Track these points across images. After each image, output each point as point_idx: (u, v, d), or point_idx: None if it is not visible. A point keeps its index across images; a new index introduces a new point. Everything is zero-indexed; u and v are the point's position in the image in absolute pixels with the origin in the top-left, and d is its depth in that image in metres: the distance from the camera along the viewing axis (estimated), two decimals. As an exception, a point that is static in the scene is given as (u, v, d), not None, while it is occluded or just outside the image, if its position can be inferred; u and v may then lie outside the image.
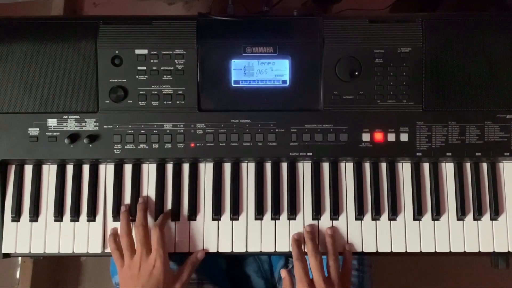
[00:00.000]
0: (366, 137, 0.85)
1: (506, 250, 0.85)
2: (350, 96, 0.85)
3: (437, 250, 0.85)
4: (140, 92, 0.85)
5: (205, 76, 0.85)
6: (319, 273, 0.79)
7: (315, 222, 0.86)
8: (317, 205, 0.85)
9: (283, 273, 0.85)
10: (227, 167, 0.87)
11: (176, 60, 0.85)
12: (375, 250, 0.85)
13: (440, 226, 0.86)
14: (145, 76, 0.85)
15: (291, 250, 0.84)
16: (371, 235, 0.85)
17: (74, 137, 0.84)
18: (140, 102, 0.85)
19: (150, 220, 0.85)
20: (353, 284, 0.95)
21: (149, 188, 0.87)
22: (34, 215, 0.85)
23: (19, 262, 1.40)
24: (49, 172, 0.87)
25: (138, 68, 0.85)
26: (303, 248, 0.84)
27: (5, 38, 0.84)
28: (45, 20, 0.86)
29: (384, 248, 0.85)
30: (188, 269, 0.83)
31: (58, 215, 0.86)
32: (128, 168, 0.87)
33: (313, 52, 0.85)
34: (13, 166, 0.87)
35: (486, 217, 0.86)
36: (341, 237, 0.85)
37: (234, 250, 0.85)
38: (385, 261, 1.38)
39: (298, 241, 0.84)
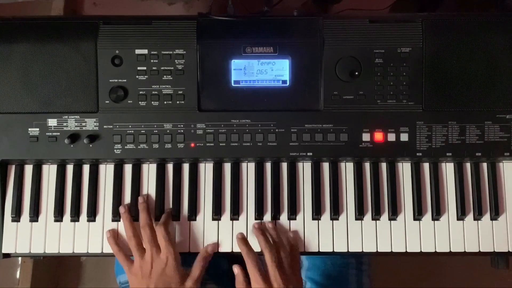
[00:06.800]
0: (366, 137, 0.85)
1: (506, 250, 0.85)
2: (350, 96, 0.85)
3: (437, 250, 0.85)
4: (140, 92, 0.85)
5: (205, 76, 0.85)
6: (275, 267, 0.78)
7: (315, 222, 0.86)
8: (317, 205, 0.85)
9: (236, 269, 0.81)
10: (227, 167, 0.87)
11: (176, 60, 0.85)
12: (375, 250, 0.85)
13: (440, 226, 0.86)
14: (145, 76, 0.85)
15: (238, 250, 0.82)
16: (371, 235, 0.85)
17: (74, 137, 0.84)
18: (140, 102, 0.85)
19: (150, 220, 0.85)
20: (351, 283, 0.95)
21: (149, 188, 0.87)
22: (34, 215, 0.85)
23: (19, 262, 1.40)
24: (49, 172, 0.87)
25: (138, 68, 0.85)
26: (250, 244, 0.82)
27: (5, 38, 0.84)
28: (45, 20, 0.86)
29: (384, 248, 0.85)
30: (199, 265, 0.82)
31: (58, 215, 0.86)
32: (128, 168, 0.87)
33: (313, 52, 0.85)
34: (13, 166, 0.87)
35: (486, 217, 0.86)
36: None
37: (234, 250, 0.85)
38: (385, 261, 1.38)
39: (243, 239, 0.83)
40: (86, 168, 0.87)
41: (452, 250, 0.85)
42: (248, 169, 0.87)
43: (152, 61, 0.85)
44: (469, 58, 0.84)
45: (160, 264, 0.79)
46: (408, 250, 0.85)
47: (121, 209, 0.85)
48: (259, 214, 0.85)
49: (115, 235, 0.84)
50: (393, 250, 0.85)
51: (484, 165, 0.88)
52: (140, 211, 0.84)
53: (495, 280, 1.36)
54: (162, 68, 0.85)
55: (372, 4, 1.01)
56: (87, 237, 0.85)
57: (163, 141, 0.85)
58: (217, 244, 0.85)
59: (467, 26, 0.84)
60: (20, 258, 1.38)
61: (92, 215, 0.86)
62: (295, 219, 0.86)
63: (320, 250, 0.85)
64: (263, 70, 0.85)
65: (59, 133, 0.85)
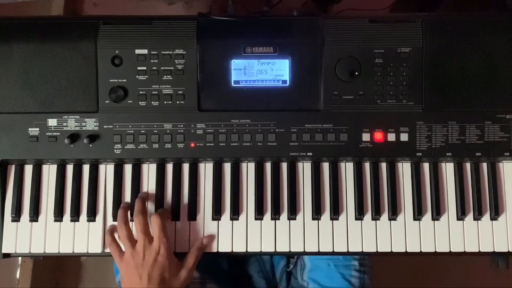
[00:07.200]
0: (366, 137, 0.85)
1: (506, 250, 0.85)
2: (350, 96, 0.85)
3: (437, 250, 0.85)
4: (140, 92, 0.85)
5: (205, 76, 0.85)
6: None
7: (315, 222, 0.86)
8: (317, 205, 0.85)
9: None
10: (227, 167, 0.87)
11: (176, 60, 0.85)
12: (375, 250, 0.85)
13: (440, 226, 0.86)
14: (145, 76, 0.85)
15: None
16: (371, 235, 0.85)
17: (74, 137, 0.84)
18: (140, 102, 0.85)
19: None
20: (354, 285, 0.95)
21: (149, 188, 0.87)
22: (34, 215, 0.85)
23: (19, 262, 1.40)
24: (49, 172, 0.87)
25: (138, 68, 0.85)
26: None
27: (5, 38, 0.84)
28: (45, 20, 0.86)
29: (384, 248, 0.85)
30: (193, 255, 0.82)
31: (58, 215, 0.86)
32: (128, 168, 0.87)
33: (313, 52, 0.85)
34: (13, 166, 0.87)
35: (486, 217, 0.86)
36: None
37: (234, 250, 0.85)
38: (385, 261, 1.38)
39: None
40: (86, 168, 0.87)
41: (452, 250, 0.85)
42: (248, 169, 0.87)
43: (152, 61, 0.85)
44: (469, 58, 0.84)
45: (152, 253, 0.79)
46: (408, 250, 0.85)
47: (122, 204, 0.85)
48: (259, 214, 0.85)
49: (114, 229, 0.84)
50: (393, 250, 0.85)
51: (484, 165, 0.88)
52: (136, 200, 0.84)
53: (495, 280, 1.36)
54: (162, 68, 0.85)
55: (372, 4, 1.01)
56: (87, 237, 0.85)
57: (163, 141, 0.85)
58: (212, 237, 0.85)
59: (467, 26, 0.84)
60: (20, 258, 1.38)
61: (92, 215, 0.86)
62: (295, 219, 0.86)
63: (320, 250, 0.85)
64: (263, 70, 0.85)
65: (59, 133, 0.85)
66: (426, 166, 0.88)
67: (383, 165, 0.87)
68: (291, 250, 0.85)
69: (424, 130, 0.85)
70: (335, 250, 0.85)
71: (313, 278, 0.95)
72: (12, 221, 0.86)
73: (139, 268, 0.78)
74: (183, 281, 0.80)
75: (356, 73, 0.85)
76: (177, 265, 0.81)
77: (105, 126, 0.85)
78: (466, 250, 0.85)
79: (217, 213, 0.86)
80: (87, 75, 0.85)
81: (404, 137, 0.85)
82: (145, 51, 0.85)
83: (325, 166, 0.87)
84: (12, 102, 0.85)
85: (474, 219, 0.86)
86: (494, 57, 0.84)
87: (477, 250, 0.85)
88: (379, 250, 0.85)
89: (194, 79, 0.85)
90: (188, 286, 0.82)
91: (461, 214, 0.85)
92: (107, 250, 0.85)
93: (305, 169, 0.87)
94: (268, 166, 0.87)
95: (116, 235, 0.84)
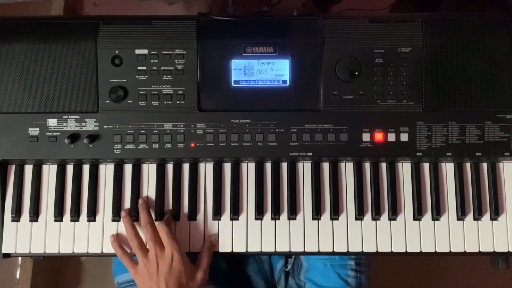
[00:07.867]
0: (366, 137, 0.85)
1: (506, 250, 0.85)
2: (350, 96, 0.85)
3: (437, 250, 0.85)
4: (140, 92, 0.85)
5: (205, 76, 0.85)
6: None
7: (315, 222, 0.86)
8: (317, 205, 0.85)
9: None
10: (227, 167, 0.87)
11: (176, 60, 0.85)
12: (375, 250, 0.85)
13: (440, 226, 0.86)
14: (145, 76, 0.85)
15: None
16: (371, 235, 0.85)
17: (74, 137, 0.84)
18: (140, 102, 0.85)
19: (150, 220, 0.85)
20: (350, 284, 0.95)
21: (149, 188, 0.87)
22: (34, 215, 0.85)
23: (19, 262, 1.40)
24: (49, 172, 0.87)
25: (138, 68, 0.85)
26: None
27: (5, 38, 0.84)
28: (45, 20, 0.87)
29: (384, 248, 0.85)
30: (205, 255, 0.83)
31: (58, 215, 0.86)
32: (128, 168, 0.87)
33: (313, 52, 0.85)
34: (13, 166, 0.87)
35: (486, 217, 0.86)
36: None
37: (234, 250, 0.85)
38: (384, 261, 1.38)
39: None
40: (86, 168, 0.87)
41: (452, 250, 0.85)
42: (248, 169, 0.87)
43: (152, 61, 0.85)
44: (469, 58, 0.84)
45: (166, 261, 0.79)
46: (408, 250, 0.85)
47: (122, 213, 0.85)
48: (259, 214, 0.85)
49: (118, 239, 0.84)
50: (393, 250, 0.85)
51: (484, 165, 0.88)
52: (140, 211, 0.84)
53: (495, 280, 1.36)
54: (162, 68, 0.85)
55: (372, 4, 1.01)
56: (87, 237, 0.85)
57: (163, 141, 0.85)
58: (217, 235, 0.85)
59: (467, 26, 0.84)
60: (20, 258, 1.38)
61: (92, 215, 0.86)
62: (295, 219, 0.86)
63: (320, 250, 0.85)
64: (263, 70, 0.85)
65: (59, 133, 0.85)
66: (426, 166, 0.88)
67: (383, 165, 0.87)
68: (291, 250, 0.85)
69: (424, 130, 0.85)
70: (335, 250, 0.85)
71: (309, 278, 0.95)
72: (12, 221, 0.86)
73: (155, 278, 0.78)
74: (200, 282, 0.81)
75: (356, 73, 0.85)
76: (191, 268, 0.81)
77: (105, 126, 0.85)
78: (466, 250, 0.85)
79: (217, 213, 0.86)
80: (87, 75, 0.85)
81: (404, 137, 0.85)
82: (145, 51, 0.85)
83: (325, 166, 0.87)
84: (12, 102, 0.85)
85: (474, 219, 0.86)
86: (494, 57, 0.84)
87: (477, 250, 0.85)
88: (379, 250, 0.85)
89: (194, 79, 0.85)
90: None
91: (461, 214, 0.85)
92: (107, 250, 0.85)
93: (305, 169, 0.87)
94: (268, 166, 0.87)
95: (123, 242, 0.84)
